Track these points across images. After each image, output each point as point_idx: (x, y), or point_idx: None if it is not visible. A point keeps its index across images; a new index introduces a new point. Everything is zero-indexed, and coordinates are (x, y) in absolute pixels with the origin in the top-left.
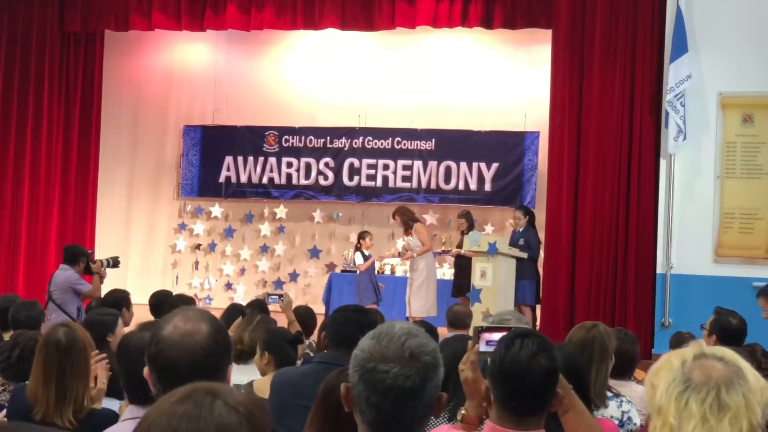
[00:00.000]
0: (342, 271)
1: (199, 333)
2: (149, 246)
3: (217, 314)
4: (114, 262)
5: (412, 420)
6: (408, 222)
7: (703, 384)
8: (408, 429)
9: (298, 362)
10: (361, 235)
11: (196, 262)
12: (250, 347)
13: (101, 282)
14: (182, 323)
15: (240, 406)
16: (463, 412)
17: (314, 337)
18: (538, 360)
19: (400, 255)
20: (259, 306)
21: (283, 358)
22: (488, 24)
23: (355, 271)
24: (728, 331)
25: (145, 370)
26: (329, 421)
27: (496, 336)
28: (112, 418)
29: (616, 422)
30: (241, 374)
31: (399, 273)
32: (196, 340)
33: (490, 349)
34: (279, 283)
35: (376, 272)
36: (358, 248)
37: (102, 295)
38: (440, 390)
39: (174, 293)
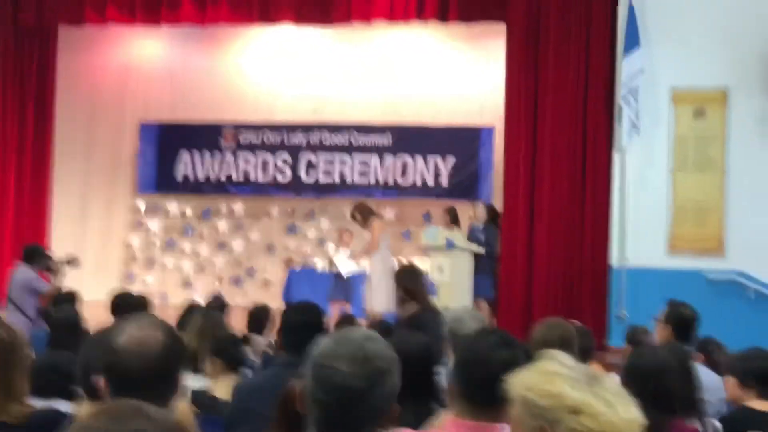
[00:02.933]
0: (300, 267)
1: (154, 341)
2: (105, 243)
3: (175, 313)
4: (73, 261)
5: (356, 423)
6: (368, 217)
7: (591, 376)
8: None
9: (257, 360)
10: (340, 231)
11: (152, 259)
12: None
13: (61, 281)
14: (136, 331)
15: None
16: None
17: (272, 334)
18: (499, 352)
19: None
20: (219, 304)
21: (231, 360)
22: (443, 17)
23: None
24: (684, 320)
25: (99, 380)
26: (292, 427)
27: None
28: (57, 419)
29: None
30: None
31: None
32: (151, 349)
33: None
34: (237, 280)
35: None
36: (337, 245)
37: None
38: (395, 398)
39: (132, 292)
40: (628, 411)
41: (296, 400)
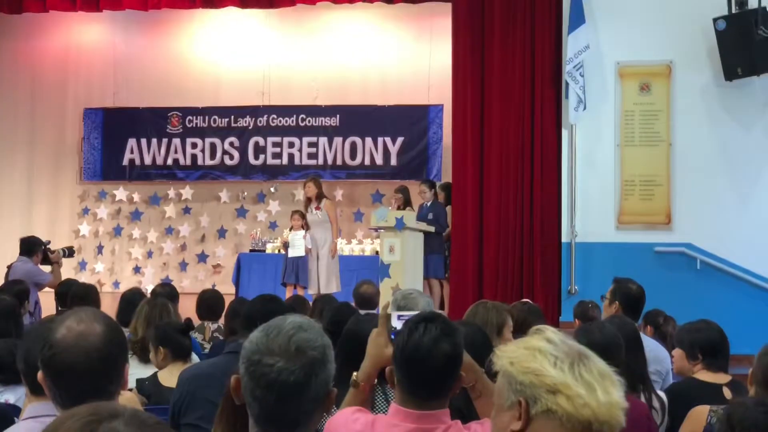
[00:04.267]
0: (251, 250)
1: (93, 334)
2: (52, 231)
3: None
4: (69, 252)
5: (297, 416)
6: (320, 193)
7: (579, 355)
8: (293, 425)
9: (207, 345)
10: (291, 214)
11: (100, 247)
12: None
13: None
14: (75, 324)
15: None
16: (354, 377)
17: (222, 320)
18: (441, 345)
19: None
20: (167, 290)
21: (178, 348)
22: None
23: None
24: (629, 297)
25: (39, 375)
26: (240, 415)
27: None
28: (7, 413)
29: None
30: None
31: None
32: (90, 342)
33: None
34: (184, 265)
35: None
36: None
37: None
38: (331, 384)
39: (79, 280)
40: (609, 394)
41: (233, 390)
